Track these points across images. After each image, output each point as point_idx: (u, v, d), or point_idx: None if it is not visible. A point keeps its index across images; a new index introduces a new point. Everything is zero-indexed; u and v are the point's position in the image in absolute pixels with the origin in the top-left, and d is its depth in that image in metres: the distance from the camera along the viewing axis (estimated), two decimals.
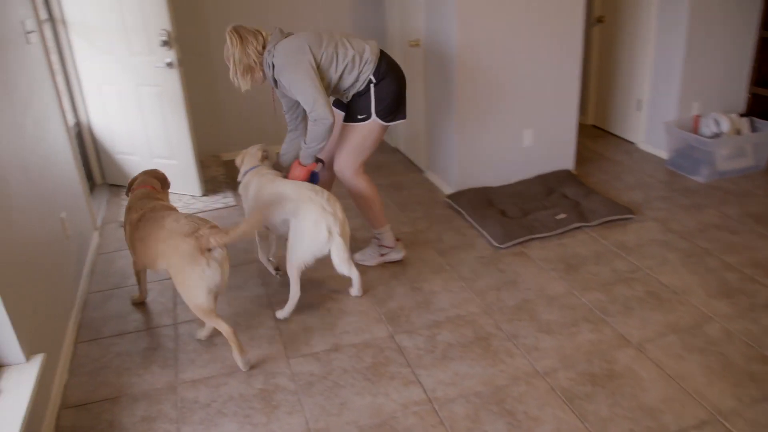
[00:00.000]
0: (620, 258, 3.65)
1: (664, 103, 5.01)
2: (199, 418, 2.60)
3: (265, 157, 3.51)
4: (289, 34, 3.18)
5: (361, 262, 3.69)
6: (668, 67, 4.88)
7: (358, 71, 3.19)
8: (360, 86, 3.24)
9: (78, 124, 4.85)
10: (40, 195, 3.08)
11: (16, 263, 2.55)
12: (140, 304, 3.44)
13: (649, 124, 5.24)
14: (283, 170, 3.52)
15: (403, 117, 3.42)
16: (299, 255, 3.10)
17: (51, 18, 4.51)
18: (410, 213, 4.34)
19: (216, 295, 2.83)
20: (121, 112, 4.71)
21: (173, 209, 3.12)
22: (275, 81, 3.20)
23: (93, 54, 4.58)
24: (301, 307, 3.30)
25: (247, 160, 3.50)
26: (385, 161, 5.37)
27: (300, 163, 3.33)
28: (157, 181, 3.45)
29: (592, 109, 6.01)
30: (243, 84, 3.20)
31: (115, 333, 3.20)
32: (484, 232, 3.95)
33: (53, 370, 2.76)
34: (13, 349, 2.40)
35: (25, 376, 2.39)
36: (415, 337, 3.04)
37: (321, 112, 3.05)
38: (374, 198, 3.51)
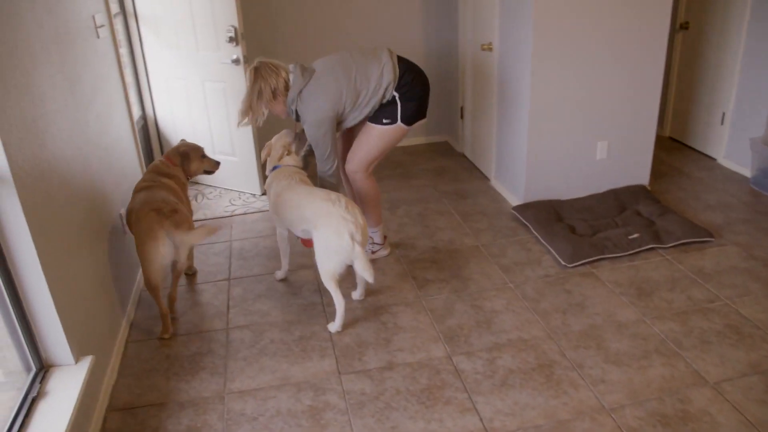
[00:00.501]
0: (697, 285, 3.40)
1: (751, 118, 4.68)
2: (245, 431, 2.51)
3: (288, 152, 3.47)
4: (310, 74, 3.25)
5: None
6: (756, 78, 4.55)
7: (379, 97, 3.30)
8: (387, 99, 3.33)
9: (144, 116, 4.86)
10: (101, 190, 3.05)
11: (71, 260, 2.52)
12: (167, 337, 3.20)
13: (733, 139, 4.91)
14: (310, 163, 3.58)
15: (423, 117, 3.47)
16: (329, 267, 3.03)
17: (123, 11, 4.53)
18: (473, 224, 4.17)
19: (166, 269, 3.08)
20: (185, 107, 4.69)
21: (163, 186, 3.22)
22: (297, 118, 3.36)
23: (161, 48, 4.58)
24: (354, 320, 3.18)
25: (271, 157, 3.49)
26: (450, 166, 5.21)
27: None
28: (177, 156, 3.47)
29: (670, 120, 5.69)
30: (238, 118, 3.35)
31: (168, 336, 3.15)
32: (552, 249, 3.76)
33: (102, 370, 2.72)
34: (63, 351, 2.36)
35: (72, 379, 2.35)
36: (474, 360, 2.88)
37: (329, 165, 3.37)
38: (378, 198, 3.66)
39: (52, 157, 2.45)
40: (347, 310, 3.20)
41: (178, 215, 3.01)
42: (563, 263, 3.63)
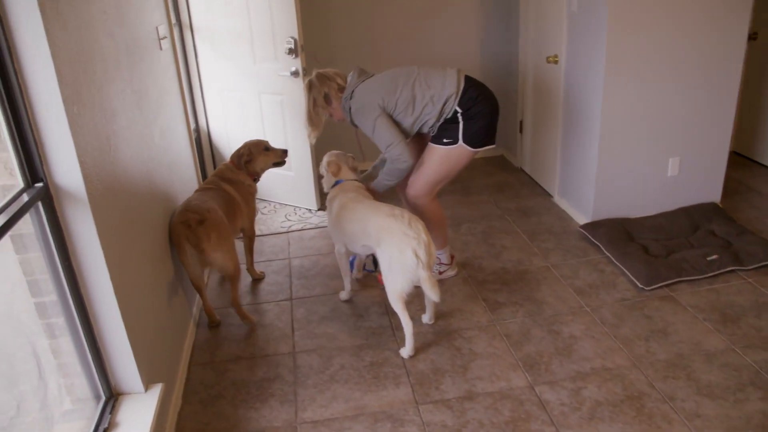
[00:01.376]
0: None
1: None
2: None
3: (352, 168, 3.42)
4: (368, 76, 3.23)
5: None
6: None
7: (439, 108, 3.15)
8: (447, 118, 3.19)
9: (197, 129, 4.78)
10: (164, 208, 2.95)
11: (140, 282, 2.40)
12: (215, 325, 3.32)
13: None
14: (371, 179, 3.47)
15: (492, 143, 3.30)
16: (395, 286, 2.89)
17: (179, 22, 4.46)
18: (541, 243, 3.99)
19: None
20: (240, 120, 4.60)
21: (217, 191, 3.28)
22: (353, 123, 3.27)
23: (216, 59, 4.50)
24: (427, 344, 3.03)
25: (329, 172, 3.39)
26: (509, 182, 5.03)
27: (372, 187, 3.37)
28: (236, 157, 3.48)
29: (734, 134, 5.43)
30: (310, 129, 3.36)
31: (230, 357, 3.02)
32: (627, 271, 3.56)
33: (169, 397, 2.59)
34: (133, 379, 2.24)
35: (143, 409, 2.23)
36: (558, 390, 2.70)
37: (396, 152, 3.14)
38: (443, 220, 3.50)
39: (123, 175, 2.35)
40: (418, 334, 3.05)
41: (204, 227, 2.92)
42: (640, 286, 3.43)
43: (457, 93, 3.13)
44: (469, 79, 3.21)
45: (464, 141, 3.19)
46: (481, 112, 3.18)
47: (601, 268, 3.66)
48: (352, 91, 3.20)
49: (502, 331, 3.13)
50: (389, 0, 4.99)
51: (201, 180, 3.94)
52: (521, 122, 5.13)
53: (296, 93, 4.18)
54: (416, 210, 3.42)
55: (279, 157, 3.62)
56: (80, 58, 2.02)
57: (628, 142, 3.94)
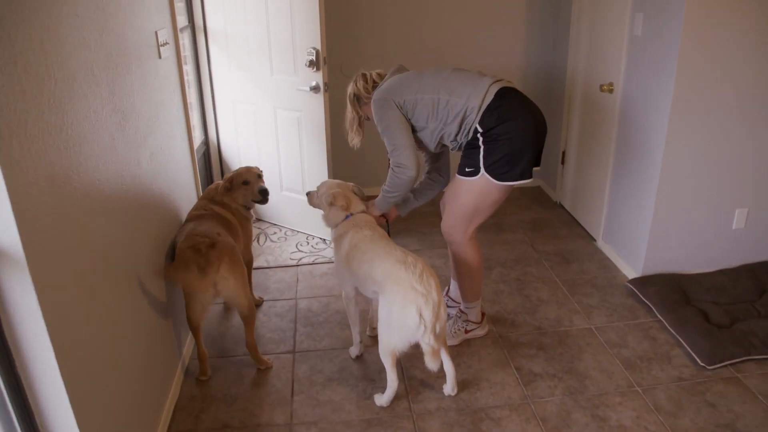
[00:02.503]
0: None
1: None
2: None
3: (363, 200, 2.95)
4: (401, 72, 2.87)
5: None
6: None
7: (458, 123, 2.67)
8: (468, 137, 2.70)
9: (206, 142, 4.35)
10: (152, 237, 2.50)
11: (102, 349, 1.96)
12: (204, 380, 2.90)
13: None
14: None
15: (529, 177, 2.71)
16: (387, 340, 2.53)
17: (192, 25, 4.02)
18: (583, 298, 3.48)
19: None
20: (253, 135, 4.16)
21: (212, 217, 2.93)
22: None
23: (231, 67, 4.06)
24: (449, 425, 2.56)
25: (336, 206, 2.86)
26: (547, 219, 4.52)
27: (373, 206, 2.94)
28: (227, 182, 3.08)
29: None
30: (350, 135, 3.03)
31: (217, 426, 2.57)
32: (684, 343, 3.05)
33: None
34: None
35: None
36: None
37: (401, 159, 2.70)
38: (479, 270, 2.98)
39: (87, 215, 1.90)
40: (437, 410, 2.59)
41: (216, 251, 2.58)
42: (701, 363, 2.92)
43: (479, 108, 2.61)
44: (502, 95, 2.63)
45: (486, 170, 2.66)
46: (507, 136, 2.60)
47: (653, 335, 3.15)
48: (378, 86, 2.84)
49: (538, 412, 2.64)
50: (425, 12, 4.52)
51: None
52: (564, 153, 4.62)
53: (316, 110, 3.73)
54: (450, 248, 3.02)
55: (254, 197, 3.14)
56: (32, 74, 1.57)
57: (691, 188, 3.43)
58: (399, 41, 4.56)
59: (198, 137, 4.25)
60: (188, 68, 4.05)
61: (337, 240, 2.83)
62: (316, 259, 3.89)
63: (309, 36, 3.56)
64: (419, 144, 2.86)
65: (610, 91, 3.76)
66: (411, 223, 4.43)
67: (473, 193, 2.76)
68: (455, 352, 2.96)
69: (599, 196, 4.03)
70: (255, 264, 3.75)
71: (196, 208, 3.01)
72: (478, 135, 2.64)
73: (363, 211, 2.90)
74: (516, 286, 3.59)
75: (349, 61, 4.47)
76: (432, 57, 4.60)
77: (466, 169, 2.74)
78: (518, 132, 2.62)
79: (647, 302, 3.38)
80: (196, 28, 4.04)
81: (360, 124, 3.00)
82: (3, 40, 1.45)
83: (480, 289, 3.05)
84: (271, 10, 3.66)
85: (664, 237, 3.52)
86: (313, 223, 4.15)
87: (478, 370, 2.90)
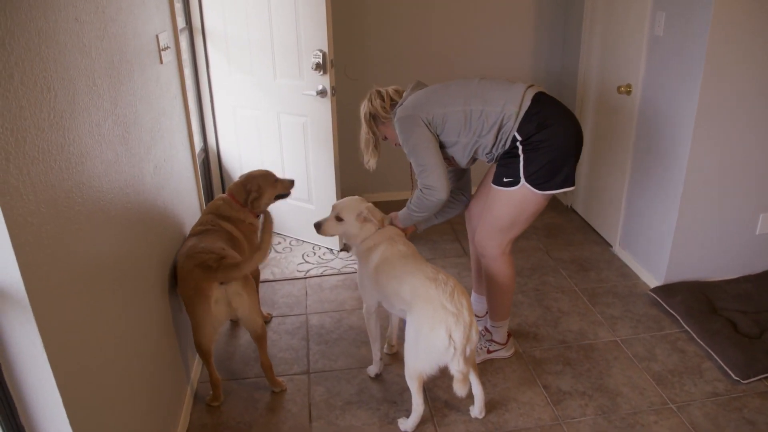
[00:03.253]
0: None
1: None
2: None
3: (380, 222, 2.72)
4: (422, 87, 2.66)
5: None
6: None
7: (495, 133, 2.49)
8: (504, 146, 2.51)
9: (205, 149, 4.17)
10: (156, 259, 2.33)
11: (115, 384, 1.78)
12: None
13: None
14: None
15: (571, 184, 2.55)
16: (413, 362, 2.38)
17: (189, 26, 3.84)
18: (605, 308, 3.33)
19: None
20: (256, 142, 3.98)
21: (219, 232, 2.72)
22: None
23: (231, 71, 3.87)
24: None
25: (370, 224, 2.66)
26: (560, 225, 4.37)
27: (396, 220, 2.77)
28: (243, 193, 2.88)
29: None
30: (365, 156, 2.84)
31: None
32: (715, 355, 2.91)
33: None
34: None
35: None
36: None
37: (430, 181, 2.51)
38: (511, 287, 2.80)
39: (93, 238, 1.73)
40: None
41: (227, 262, 2.44)
42: (735, 378, 2.79)
43: (517, 115, 2.44)
44: (539, 99, 2.48)
45: (527, 180, 2.49)
46: (548, 143, 2.44)
47: (681, 347, 3.01)
48: (400, 104, 2.63)
49: None
50: (432, 13, 4.35)
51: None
52: None
53: (323, 115, 3.56)
54: (483, 261, 2.80)
55: (286, 189, 3.06)
56: (30, 87, 1.40)
57: (715, 192, 3.29)
58: (405, 43, 4.39)
59: (197, 144, 4.05)
60: (186, 72, 3.86)
61: (366, 252, 2.64)
62: (324, 270, 3.72)
63: (315, 37, 3.39)
64: (448, 161, 2.68)
65: (628, 92, 3.61)
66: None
67: (512, 204, 2.58)
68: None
69: (616, 201, 3.88)
70: (260, 277, 3.58)
71: (200, 223, 2.81)
72: (517, 144, 2.47)
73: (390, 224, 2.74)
74: (535, 297, 3.44)
75: (354, 64, 4.31)
76: (439, 58, 4.45)
77: (504, 179, 2.55)
78: (560, 138, 2.46)
79: (672, 312, 3.23)
80: (194, 29, 3.86)
81: (376, 145, 2.81)
82: None
83: (509, 308, 2.87)
84: (274, 10, 3.48)
85: (687, 243, 3.38)
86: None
87: (504, 389, 2.74)
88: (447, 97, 2.54)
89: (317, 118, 3.60)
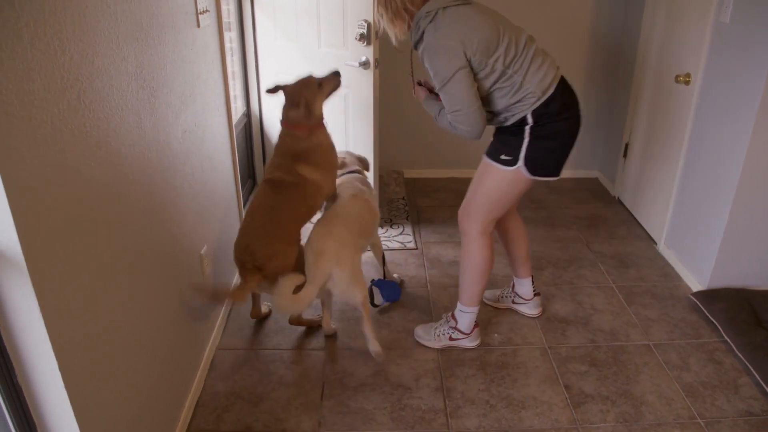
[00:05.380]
0: None
1: None
2: None
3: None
4: (465, 2, 2.31)
5: (420, 341, 2.88)
6: None
7: (518, 100, 2.36)
8: (512, 120, 2.41)
9: (248, 113, 4.14)
10: (181, 228, 2.32)
11: (119, 352, 1.78)
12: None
13: None
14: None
15: (557, 175, 2.54)
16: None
17: None
18: (641, 309, 3.20)
19: None
20: None
21: (297, 187, 2.66)
22: (416, 46, 2.41)
23: (276, 37, 3.82)
24: None
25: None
26: (604, 216, 4.21)
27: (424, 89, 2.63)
28: (292, 113, 2.71)
29: None
30: (392, 32, 2.44)
31: (241, 428, 2.40)
32: (754, 371, 2.75)
33: None
34: None
35: None
36: None
37: (465, 121, 2.32)
38: (486, 271, 2.71)
39: (108, 206, 1.71)
40: (478, 428, 2.38)
41: (272, 264, 2.47)
42: None
43: (540, 98, 2.34)
44: (561, 86, 2.40)
45: (525, 164, 2.44)
46: (558, 132, 2.42)
47: (718, 359, 2.86)
48: (444, 8, 2.27)
49: None
50: None
51: (241, 189, 3.30)
52: (627, 145, 4.28)
53: (364, 87, 3.48)
54: (462, 239, 2.73)
55: (334, 86, 2.80)
56: (40, 50, 1.37)
57: None
58: None
59: (240, 108, 4.04)
60: (233, 35, 3.83)
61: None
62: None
63: (361, 7, 3.30)
64: None
65: (687, 82, 3.42)
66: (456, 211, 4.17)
67: (503, 182, 2.53)
68: (497, 362, 2.74)
69: (664, 197, 3.71)
70: None
71: (277, 167, 2.63)
72: (526, 127, 2.39)
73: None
74: (569, 292, 3.32)
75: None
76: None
77: (502, 157, 2.48)
78: (566, 131, 2.45)
79: (713, 320, 3.08)
80: None
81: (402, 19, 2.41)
82: (4, 8, 1.24)
83: (481, 294, 2.78)
84: None
85: (736, 248, 3.20)
86: None
87: (524, 384, 2.66)
88: (497, 41, 2.28)
89: (359, 90, 3.52)
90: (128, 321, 1.87)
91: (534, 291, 3.06)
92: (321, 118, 2.73)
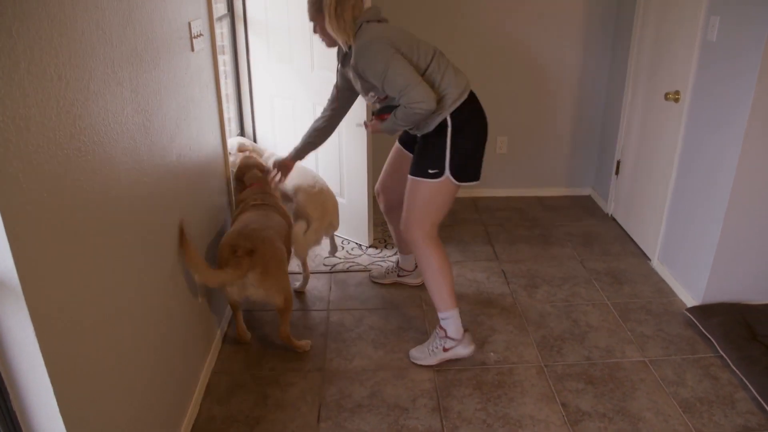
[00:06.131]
0: None
1: None
2: None
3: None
4: (385, 20, 2.64)
5: (417, 362, 2.89)
6: None
7: (437, 99, 2.54)
8: (434, 123, 2.60)
9: (242, 135, 4.16)
10: (174, 248, 2.32)
11: (122, 366, 1.78)
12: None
13: None
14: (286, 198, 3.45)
15: (477, 178, 2.76)
16: None
17: (231, 13, 3.83)
18: (636, 325, 3.21)
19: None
20: (291, 131, 3.95)
21: (276, 207, 3.10)
22: (344, 61, 2.71)
23: (270, 60, 3.85)
24: None
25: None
26: (597, 233, 4.23)
27: (377, 120, 2.76)
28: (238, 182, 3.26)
29: None
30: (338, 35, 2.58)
31: None
32: (750, 385, 2.76)
33: None
34: None
35: None
36: None
37: (416, 96, 2.43)
38: (444, 272, 2.80)
39: (103, 229, 1.71)
40: None
41: (251, 259, 2.58)
42: None
43: (456, 99, 2.57)
44: (471, 96, 2.67)
45: (450, 171, 2.63)
46: (473, 134, 2.67)
47: (714, 374, 2.87)
48: (366, 22, 2.54)
49: None
50: (480, 9, 4.26)
51: (234, 204, 3.31)
52: (618, 162, 4.32)
53: (357, 109, 3.50)
54: (415, 253, 2.85)
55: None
56: (37, 76, 1.38)
57: (763, 209, 3.11)
58: (450, 35, 4.30)
59: (234, 130, 4.07)
60: (226, 58, 3.87)
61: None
62: (351, 266, 3.68)
63: None
64: (379, 97, 2.70)
65: (676, 99, 3.46)
66: (452, 231, 4.19)
67: (436, 194, 2.71)
68: (493, 381, 2.74)
69: (657, 213, 3.73)
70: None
71: (255, 198, 3.03)
72: (447, 129, 2.59)
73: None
74: (564, 310, 3.33)
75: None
76: (487, 53, 4.35)
77: (429, 171, 2.66)
78: (483, 133, 2.70)
79: (708, 335, 3.09)
80: (235, 16, 3.85)
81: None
82: (1, 36, 1.26)
83: (452, 294, 2.81)
84: None
85: (729, 262, 3.22)
86: (349, 228, 3.95)
87: (520, 403, 2.65)
88: (416, 47, 2.55)
89: (354, 111, 3.53)
90: (123, 348, 1.86)
91: (415, 264, 3.41)
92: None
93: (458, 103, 2.57)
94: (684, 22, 3.39)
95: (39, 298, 1.38)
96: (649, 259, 3.85)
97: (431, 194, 2.69)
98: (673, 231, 3.58)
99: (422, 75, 2.52)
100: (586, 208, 4.63)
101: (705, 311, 3.23)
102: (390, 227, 3.38)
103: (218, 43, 3.07)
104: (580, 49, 4.41)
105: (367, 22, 2.54)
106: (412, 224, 2.77)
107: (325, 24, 2.54)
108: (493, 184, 4.79)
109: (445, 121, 2.58)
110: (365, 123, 2.92)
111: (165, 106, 2.23)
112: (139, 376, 1.99)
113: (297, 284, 3.46)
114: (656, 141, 3.75)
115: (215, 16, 2.95)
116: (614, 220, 4.41)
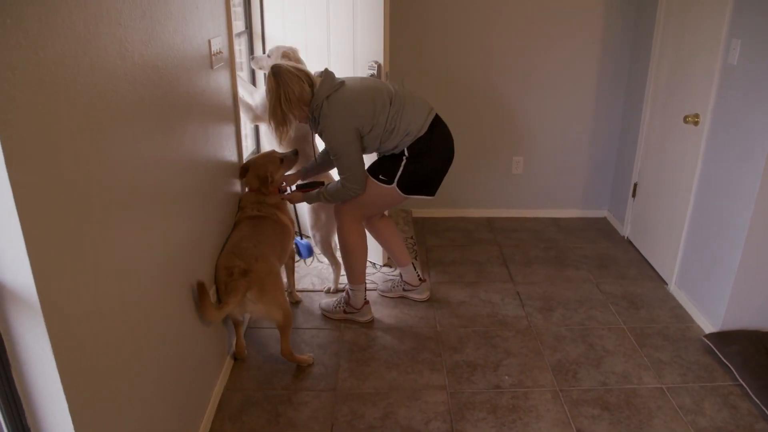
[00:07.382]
0: None
1: None
2: None
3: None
4: (340, 83, 2.87)
5: (324, 310, 3.38)
6: None
7: (398, 141, 2.95)
8: (396, 152, 3.00)
9: (258, 150, 4.17)
10: (187, 262, 2.31)
11: (137, 378, 1.76)
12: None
13: None
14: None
15: (431, 194, 3.12)
16: None
17: (249, 30, 3.85)
18: (653, 351, 3.16)
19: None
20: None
21: (271, 219, 3.03)
22: (316, 125, 2.94)
23: None
24: None
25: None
26: (613, 256, 4.19)
27: (299, 192, 3.19)
28: (255, 180, 3.07)
29: None
30: (276, 134, 2.96)
31: None
32: None
33: None
34: None
35: None
36: None
37: (353, 182, 2.93)
38: (362, 252, 3.24)
39: (121, 252, 1.71)
40: None
41: (247, 279, 2.58)
42: None
43: (415, 135, 2.93)
44: (433, 126, 2.97)
45: (398, 185, 3.00)
46: (426, 163, 3.00)
47: (733, 403, 2.82)
48: (326, 97, 2.82)
49: None
50: (495, 25, 4.26)
51: None
52: (635, 185, 4.29)
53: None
54: (338, 234, 3.23)
55: (292, 163, 3.24)
56: (61, 92, 1.39)
57: None
58: (469, 54, 4.30)
59: (250, 146, 4.08)
60: (243, 75, 3.88)
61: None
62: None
63: (371, 49, 3.34)
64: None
65: (695, 123, 3.43)
66: (466, 251, 4.17)
67: (378, 194, 3.04)
68: (507, 405, 2.70)
69: (674, 237, 3.69)
70: (299, 285, 3.58)
71: (252, 210, 2.99)
72: (403, 157, 2.95)
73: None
74: (580, 333, 3.29)
75: (414, 74, 4.26)
76: (501, 71, 4.35)
77: (380, 177, 3.01)
78: (439, 162, 3.02)
79: (727, 362, 3.03)
80: (253, 33, 3.87)
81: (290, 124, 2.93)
82: (23, 47, 1.26)
83: (363, 273, 3.26)
84: (333, 19, 3.46)
85: (749, 288, 3.17)
86: None
87: (535, 428, 2.61)
88: (373, 108, 2.85)
89: None
90: (138, 364, 1.85)
91: (419, 277, 3.52)
92: (277, 186, 3.12)
93: (414, 139, 2.91)
94: (704, 44, 3.38)
95: (56, 313, 1.38)
96: (666, 284, 3.80)
97: (375, 194, 3.03)
98: (691, 256, 3.53)
99: (383, 128, 2.86)
100: (601, 230, 4.59)
101: (724, 338, 3.18)
102: (378, 242, 3.50)
103: (236, 60, 3.08)
104: (597, 69, 4.40)
105: (327, 97, 2.80)
106: (345, 209, 3.10)
107: (290, 119, 2.88)
108: (509, 205, 4.77)
109: (402, 151, 2.95)
110: (281, 189, 3.13)
111: (184, 123, 2.24)
112: (153, 392, 1.98)
113: (331, 286, 3.60)
114: (675, 164, 3.72)
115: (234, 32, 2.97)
116: (630, 243, 4.37)
